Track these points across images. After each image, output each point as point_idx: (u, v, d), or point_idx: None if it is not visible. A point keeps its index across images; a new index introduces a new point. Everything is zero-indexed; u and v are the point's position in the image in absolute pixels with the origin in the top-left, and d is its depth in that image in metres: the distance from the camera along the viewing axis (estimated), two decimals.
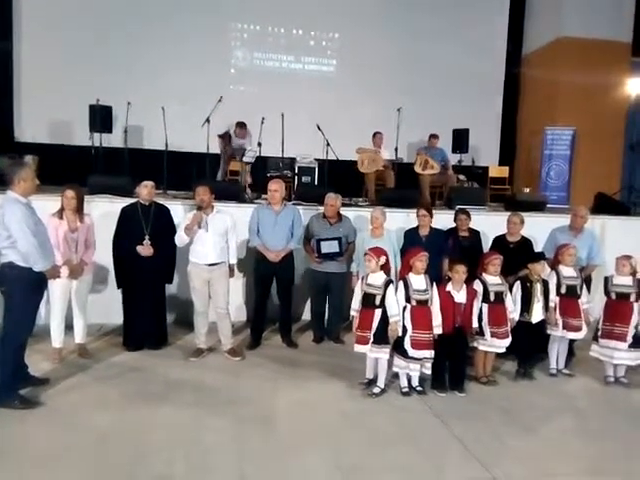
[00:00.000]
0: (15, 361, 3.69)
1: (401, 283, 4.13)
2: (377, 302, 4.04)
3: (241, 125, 7.93)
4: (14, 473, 2.92)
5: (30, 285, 3.61)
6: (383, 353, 4.06)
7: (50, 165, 7.63)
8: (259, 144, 7.13)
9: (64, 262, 4.32)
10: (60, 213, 4.42)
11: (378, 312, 4.04)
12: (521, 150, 10.83)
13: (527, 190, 8.20)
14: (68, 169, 6.26)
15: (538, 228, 5.59)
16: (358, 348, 4.12)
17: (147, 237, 4.70)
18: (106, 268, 5.23)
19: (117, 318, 5.00)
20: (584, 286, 4.76)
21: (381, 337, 4.03)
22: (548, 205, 7.36)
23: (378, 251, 4.18)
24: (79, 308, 4.64)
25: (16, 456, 3.08)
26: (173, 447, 3.23)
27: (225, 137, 7.69)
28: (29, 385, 3.90)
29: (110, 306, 5.13)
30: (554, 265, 4.81)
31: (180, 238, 4.64)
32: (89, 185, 5.80)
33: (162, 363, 4.59)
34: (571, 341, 4.85)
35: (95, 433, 3.35)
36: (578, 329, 4.58)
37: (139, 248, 4.68)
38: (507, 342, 4.36)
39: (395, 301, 4.04)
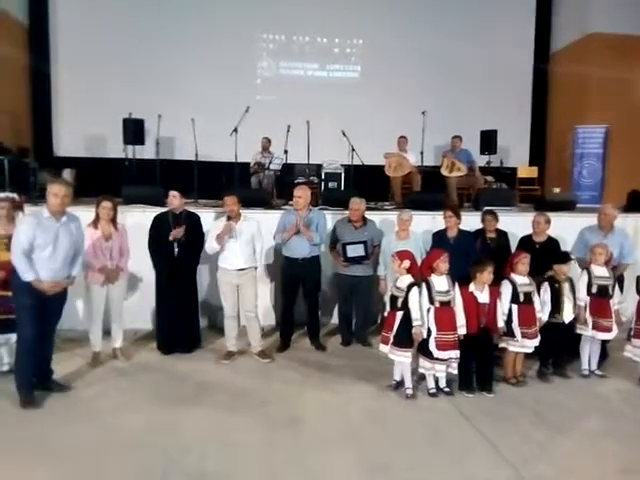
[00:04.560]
0: (29, 363, 3.88)
1: (424, 285, 4.14)
2: (399, 304, 4.08)
3: (267, 139, 8.11)
4: (54, 469, 3.07)
5: (18, 290, 3.83)
6: (404, 357, 4.08)
7: (87, 177, 8.01)
8: (285, 152, 7.27)
9: (99, 268, 4.53)
10: (95, 223, 4.62)
11: (399, 314, 4.07)
12: (552, 149, 10.65)
13: (557, 190, 8.07)
14: (103, 181, 6.53)
15: (568, 228, 5.52)
16: (381, 347, 4.20)
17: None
18: (139, 276, 5.45)
19: (152, 323, 5.17)
20: (616, 286, 4.68)
21: (402, 339, 4.05)
22: (580, 205, 7.23)
23: (403, 254, 4.22)
24: (115, 313, 4.82)
25: (56, 453, 3.24)
26: (205, 446, 3.35)
27: (258, 166, 7.92)
28: (51, 390, 4.07)
29: (145, 312, 5.31)
30: (587, 265, 4.74)
31: (211, 247, 4.79)
32: (123, 196, 6.02)
33: (194, 365, 4.73)
34: (605, 342, 4.77)
35: (130, 432, 3.50)
36: (608, 330, 4.51)
37: (173, 232, 4.82)
38: (536, 342, 4.33)
39: (417, 305, 4.05)
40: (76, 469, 3.08)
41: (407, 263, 4.12)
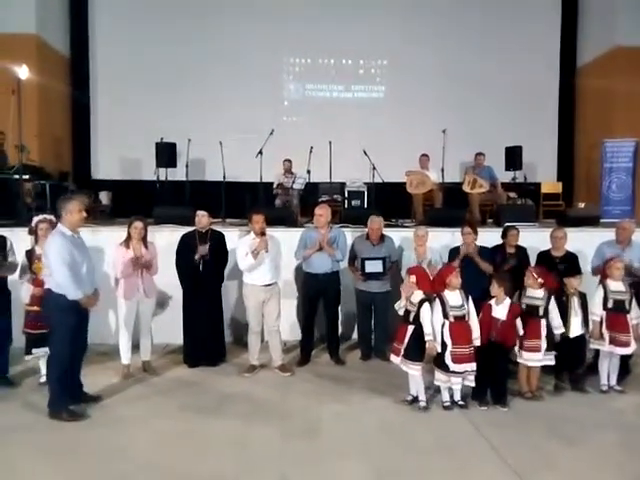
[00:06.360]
0: (62, 379, 3.98)
1: (437, 301, 4.23)
2: (410, 318, 4.21)
3: (289, 161, 8.39)
4: (85, 469, 3.32)
5: (64, 310, 3.86)
6: (414, 370, 4.20)
7: (122, 199, 8.45)
8: (308, 171, 7.50)
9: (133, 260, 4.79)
10: (127, 242, 4.92)
11: (410, 328, 4.20)
12: (580, 164, 10.55)
13: (582, 205, 8.02)
14: (137, 202, 6.88)
15: (590, 243, 5.50)
16: (392, 358, 4.34)
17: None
18: (169, 293, 5.71)
19: (180, 338, 5.42)
20: (634, 301, 4.66)
21: (413, 353, 4.17)
22: (611, 220, 7.15)
23: (411, 270, 4.39)
24: (144, 328, 5.09)
25: (86, 454, 3.50)
26: (224, 451, 3.54)
27: (280, 187, 8.18)
28: (82, 402, 4.24)
29: (175, 327, 5.54)
30: (602, 279, 4.75)
31: (246, 263, 4.94)
32: (154, 216, 6.35)
33: (218, 378, 4.94)
34: (627, 358, 4.75)
35: (154, 437, 3.73)
36: (627, 344, 4.50)
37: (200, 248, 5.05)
38: (540, 356, 4.35)
39: (429, 320, 4.16)
40: (101, 468, 3.32)
41: (413, 278, 4.24)
